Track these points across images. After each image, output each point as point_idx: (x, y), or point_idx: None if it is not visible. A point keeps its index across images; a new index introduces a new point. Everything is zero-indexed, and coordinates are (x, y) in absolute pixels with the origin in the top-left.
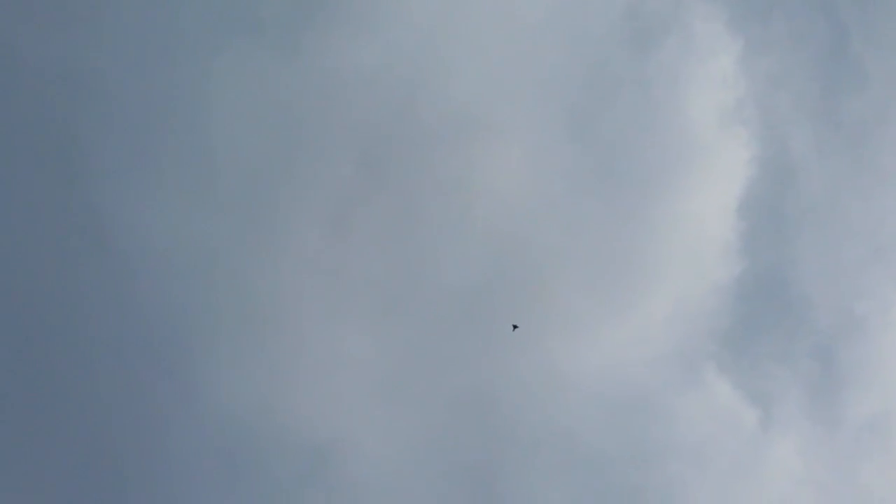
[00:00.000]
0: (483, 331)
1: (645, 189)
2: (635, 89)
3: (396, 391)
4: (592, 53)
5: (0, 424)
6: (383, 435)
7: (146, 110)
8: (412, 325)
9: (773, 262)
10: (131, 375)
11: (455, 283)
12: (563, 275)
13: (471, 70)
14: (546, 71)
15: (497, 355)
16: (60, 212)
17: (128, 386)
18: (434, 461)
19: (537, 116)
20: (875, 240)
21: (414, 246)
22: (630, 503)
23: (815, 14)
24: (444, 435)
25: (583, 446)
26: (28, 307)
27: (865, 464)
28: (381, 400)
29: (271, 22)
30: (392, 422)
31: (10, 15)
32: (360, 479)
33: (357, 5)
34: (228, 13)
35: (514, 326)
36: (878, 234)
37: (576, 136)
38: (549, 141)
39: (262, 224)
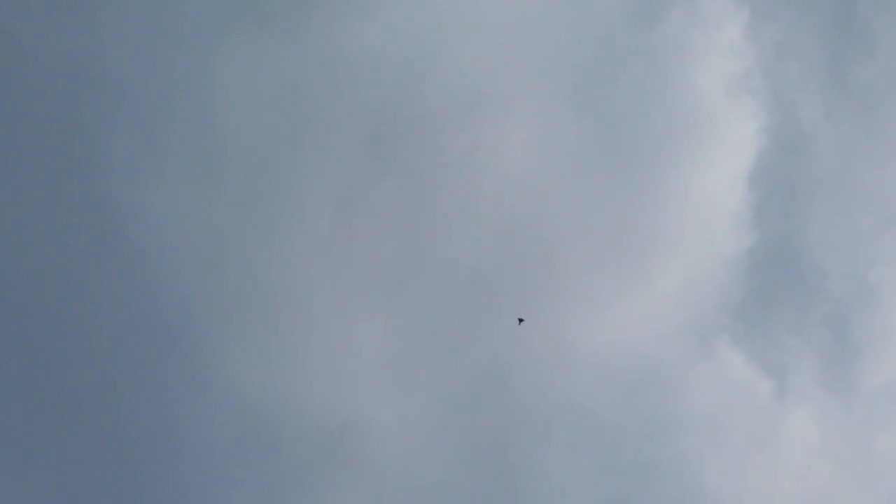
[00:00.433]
0: (494, 309)
1: (654, 162)
2: (641, 61)
3: (409, 371)
4: (597, 26)
5: (15, 414)
6: (397, 416)
7: (152, 98)
8: (423, 305)
9: (784, 232)
10: (143, 364)
11: (465, 262)
12: (573, 251)
13: (476, 48)
14: (551, 46)
15: (509, 333)
16: (69, 202)
17: (140, 374)
18: (448, 439)
19: (543, 92)
20: (887, 207)
21: (423, 226)
22: (644, 477)
23: None
24: (458, 413)
25: (596, 421)
26: (39, 298)
27: (881, 433)
28: (395, 381)
29: (275, 5)
30: (406, 402)
31: (14, 5)
32: (376, 460)
33: None
34: None
35: (520, 320)
36: (891, 201)
37: (582, 111)
38: (556, 116)
39: (272, 209)
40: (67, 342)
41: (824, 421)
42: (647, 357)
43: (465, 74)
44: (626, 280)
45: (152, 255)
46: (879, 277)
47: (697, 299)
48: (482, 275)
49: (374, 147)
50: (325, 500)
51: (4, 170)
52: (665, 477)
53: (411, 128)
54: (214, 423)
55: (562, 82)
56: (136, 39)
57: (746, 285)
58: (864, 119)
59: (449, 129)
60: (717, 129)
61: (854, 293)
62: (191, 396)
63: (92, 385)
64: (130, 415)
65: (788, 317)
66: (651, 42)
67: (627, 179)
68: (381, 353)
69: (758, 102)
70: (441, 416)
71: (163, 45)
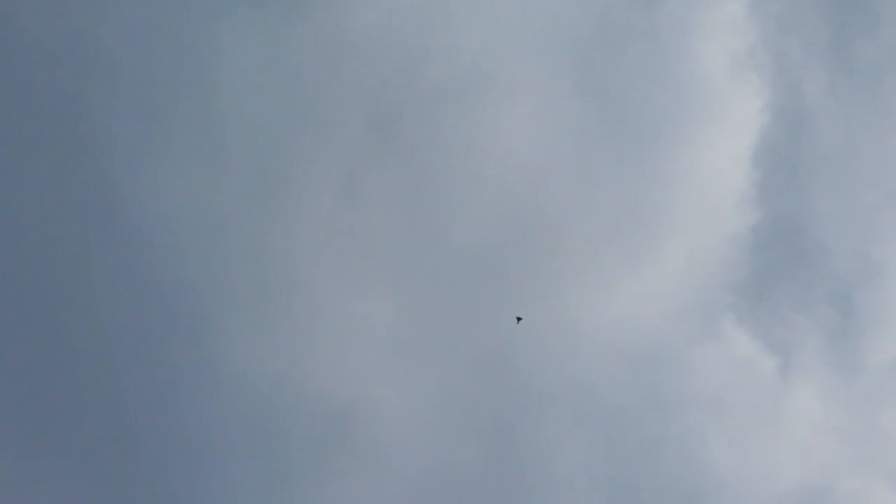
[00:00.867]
0: (498, 288)
1: (657, 140)
2: (644, 39)
3: (414, 352)
4: (599, 4)
5: (20, 399)
6: (402, 396)
7: (154, 81)
8: (427, 284)
9: (788, 210)
10: (148, 347)
11: (469, 241)
12: (577, 230)
13: (477, 27)
14: (553, 24)
15: (513, 312)
16: (72, 186)
17: (145, 357)
18: (453, 418)
19: (546, 71)
20: (891, 183)
21: (427, 206)
22: (649, 455)
23: None
24: (463, 392)
25: (601, 399)
26: (43, 283)
27: (886, 409)
28: (399, 361)
29: None
30: (410, 382)
31: None
32: (381, 440)
33: None
34: None
35: (518, 319)
36: (895, 178)
37: (585, 90)
38: (559, 95)
39: (275, 191)
40: (71, 326)
41: (829, 398)
42: (651, 335)
43: (468, 55)
44: (630, 259)
45: (156, 238)
46: (883, 254)
47: (701, 277)
48: (486, 254)
49: (376, 128)
50: (330, 481)
51: (8, 155)
52: (670, 455)
53: (414, 108)
54: (220, 404)
55: (564, 61)
56: (137, 22)
57: (750, 263)
58: (869, 95)
59: (452, 109)
60: (721, 107)
61: (858, 270)
62: (195, 378)
63: (96, 369)
64: (136, 398)
65: (792, 294)
66: (654, 19)
67: (631, 158)
68: (386, 334)
69: (761, 79)
70: (445, 396)
71: (164, 28)
